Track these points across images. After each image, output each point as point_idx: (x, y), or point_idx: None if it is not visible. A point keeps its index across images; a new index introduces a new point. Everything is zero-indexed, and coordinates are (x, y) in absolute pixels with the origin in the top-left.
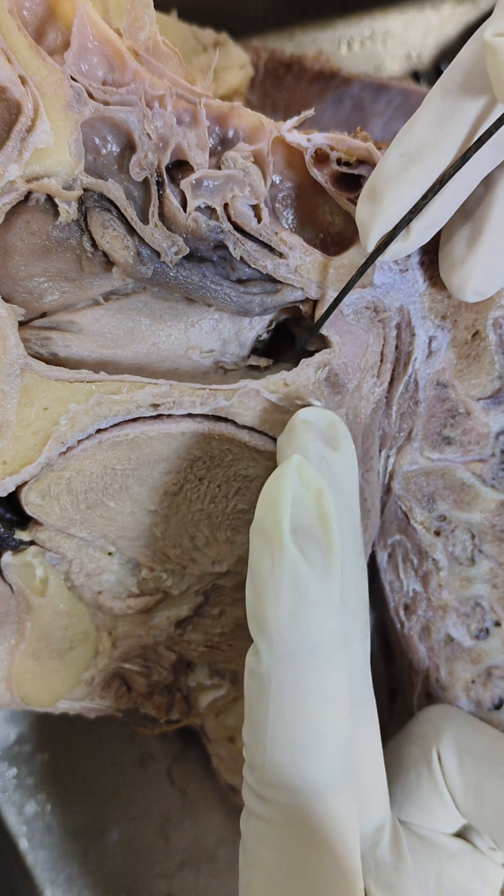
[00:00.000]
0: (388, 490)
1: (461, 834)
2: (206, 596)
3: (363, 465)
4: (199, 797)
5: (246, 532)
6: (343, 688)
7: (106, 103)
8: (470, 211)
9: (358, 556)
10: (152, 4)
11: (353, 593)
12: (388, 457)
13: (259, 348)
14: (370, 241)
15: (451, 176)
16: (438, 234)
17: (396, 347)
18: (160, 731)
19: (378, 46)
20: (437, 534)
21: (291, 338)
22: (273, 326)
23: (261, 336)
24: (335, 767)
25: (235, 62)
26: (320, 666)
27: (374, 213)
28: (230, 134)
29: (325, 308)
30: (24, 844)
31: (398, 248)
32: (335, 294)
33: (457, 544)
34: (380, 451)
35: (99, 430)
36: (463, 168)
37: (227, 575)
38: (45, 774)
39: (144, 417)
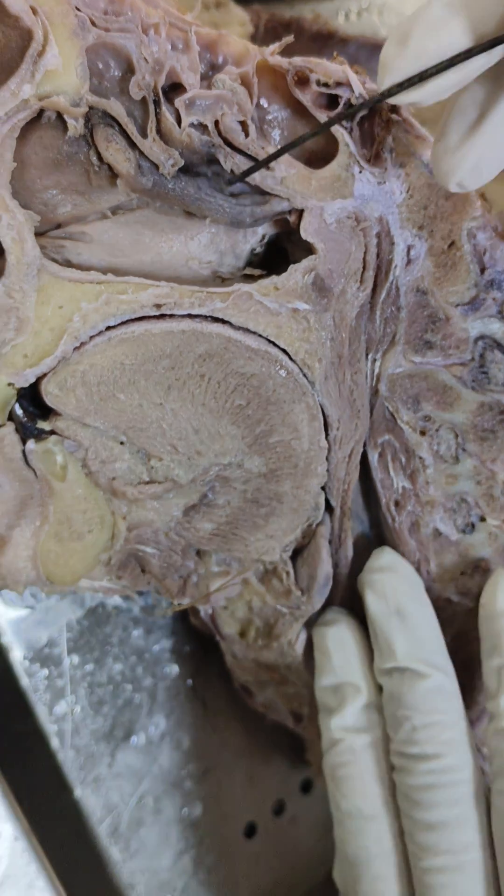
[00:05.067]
0: (375, 392)
1: None
2: (212, 486)
3: (351, 367)
4: (219, 709)
5: (244, 426)
6: None
7: (107, 30)
8: (477, 100)
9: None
10: None
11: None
12: (375, 360)
13: (254, 262)
14: (386, 81)
15: (494, 44)
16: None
17: (378, 255)
18: (174, 612)
19: (374, 17)
20: (423, 433)
21: (285, 255)
22: (266, 241)
23: (255, 249)
24: None
25: (235, 19)
26: None
27: (400, 55)
28: (219, 60)
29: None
30: (54, 743)
31: (414, 96)
32: (318, 203)
33: (441, 443)
34: (367, 355)
35: (108, 328)
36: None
37: (231, 466)
38: (74, 677)
39: (149, 317)
